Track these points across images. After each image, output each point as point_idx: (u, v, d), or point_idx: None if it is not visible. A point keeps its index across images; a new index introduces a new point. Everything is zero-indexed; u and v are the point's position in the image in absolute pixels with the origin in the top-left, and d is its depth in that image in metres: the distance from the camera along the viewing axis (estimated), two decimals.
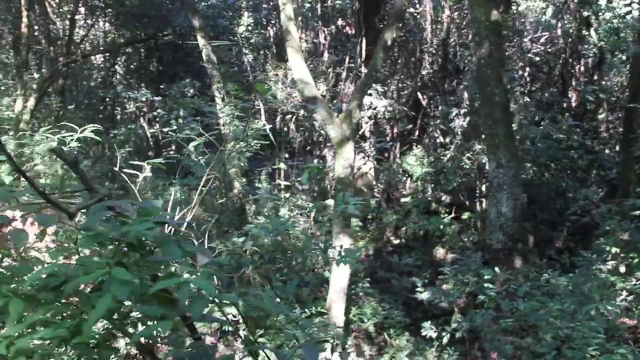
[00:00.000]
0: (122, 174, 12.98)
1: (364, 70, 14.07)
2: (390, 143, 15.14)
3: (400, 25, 16.11)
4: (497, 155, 7.62)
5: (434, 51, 15.29)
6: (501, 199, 7.69)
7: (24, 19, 13.61)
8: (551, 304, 5.76)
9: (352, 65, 14.24)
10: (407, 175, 13.34)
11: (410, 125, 15.61)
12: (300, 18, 16.14)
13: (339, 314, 9.50)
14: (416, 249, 13.13)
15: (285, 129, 13.95)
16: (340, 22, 15.93)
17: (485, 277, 6.89)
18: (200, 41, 12.92)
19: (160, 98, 12.48)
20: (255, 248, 10.61)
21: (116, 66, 20.25)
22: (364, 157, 15.14)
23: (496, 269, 6.91)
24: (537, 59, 15.97)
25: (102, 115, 18.05)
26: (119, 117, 19.32)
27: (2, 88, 17.77)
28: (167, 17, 16.65)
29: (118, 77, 18.75)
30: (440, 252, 13.41)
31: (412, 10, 15.35)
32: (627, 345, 5.22)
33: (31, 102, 13.83)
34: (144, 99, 12.63)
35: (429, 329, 8.03)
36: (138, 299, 2.02)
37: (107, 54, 18.62)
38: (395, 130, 15.40)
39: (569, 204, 12.72)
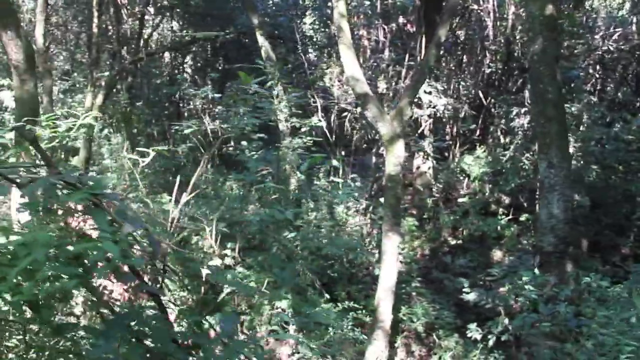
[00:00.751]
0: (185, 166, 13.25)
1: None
2: (450, 142, 14.93)
3: (464, 22, 15.89)
4: (548, 155, 7.38)
5: (497, 49, 14.94)
6: (552, 200, 7.43)
7: (95, 20, 14.29)
8: (588, 309, 5.53)
9: (413, 63, 14.12)
10: (465, 175, 13.10)
11: (474, 125, 15.34)
12: (361, 16, 16.14)
13: (386, 312, 9.44)
14: (472, 250, 12.89)
15: (341, 126, 14.00)
16: (401, 19, 15.81)
17: (524, 278, 6.70)
18: (260, 39, 13.16)
19: (220, 95, 12.77)
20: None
21: (185, 64, 20.93)
22: (423, 157, 15.01)
23: (536, 271, 6.70)
24: (608, 56, 15.30)
25: (167, 112, 18.68)
26: (186, 114, 19.95)
27: (77, 86, 18.73)
28: (230, 15, 17.04)
29: (185, 75, 19.33)
30: (497, 254, 13.10)
31: (475, 7, 15.05)
32: None
33: (99, 98, 14.50)
34: (203, 96, 12.94)
35: (474, 331, 7.88)
36: (54, 260, 2.20)
37: (175, 52, 19.27)
38: (455, 129, 15.15)
39: (637, 209, 12.16)
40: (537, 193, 12.75)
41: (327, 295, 10.82)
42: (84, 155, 14.95)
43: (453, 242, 14.07)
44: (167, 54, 19.87)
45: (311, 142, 11.36)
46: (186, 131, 9.77)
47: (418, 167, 15.20)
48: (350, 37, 9.12)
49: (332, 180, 10.93)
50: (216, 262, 11.98)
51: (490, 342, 7.50)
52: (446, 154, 15.39)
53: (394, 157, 9.05)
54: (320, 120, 11.98)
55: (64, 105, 16.69)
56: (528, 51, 14.37)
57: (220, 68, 19.88)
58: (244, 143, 10.66)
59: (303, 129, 11.77)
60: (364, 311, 10.63)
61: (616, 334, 5.03)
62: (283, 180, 11.50)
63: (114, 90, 16.53)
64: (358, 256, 10.86)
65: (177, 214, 12.49)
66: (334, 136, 13.78)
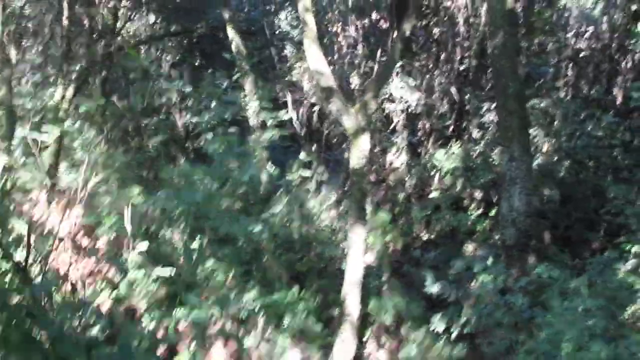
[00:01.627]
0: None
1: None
2: (423, 138, 14.98)
3: (438, 19, 15.94)
4: (510, 148, 7.42)
5: (470, 45, 15.01)
6: (513, 193, 7.47)
7: (65, 12, 14.06)
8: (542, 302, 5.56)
9: (385, 58, 14.11)
10: (436, 170, 13.15)
11: (450, 121, 15.40)
12: (336, 11, 16.14)
13: (353, 306, 9.48)
14: (443, 245, 12.94)
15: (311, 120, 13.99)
16: (375, 15, 15.81)
17: (475, 270, 6.74)
18: (230, 32, 13.11)
19: (190, 89, 12.74)
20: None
21: (161, 58, 20.73)
22: (395, 152, 15.07)
23: (488, 262, 6.75)
24: (581, 54, 15.45)
25: (143, 106, 18.49)
26: (163, 108, 19.78)
27: (51, 79, 18.47)
28: (204, 10, 16.94)
29: (160, 69, 19.16)
30: (469, 248, 13.16)
31: (449, 3, 15.10)
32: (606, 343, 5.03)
33: (70, 92, 14.27)
34: (175, 90, 12.92)
35: (437, 323, 7.91)
36: None
37: (149, 46, 19.08)
38: (429, 125, 15.20)
39: (606, 204, 12.28)
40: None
41: (295, 289, 10.80)
42: (54, 148, 14.75)
43: (425, 237, 14.13)
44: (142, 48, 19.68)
45: (280, 136, 11.33)
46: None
47: (391, 163, 15.25)
48: (315, 31, 9.09)
49: (300, 175, 10.88)
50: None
51: (454, 335, 7.54)
52: (419, 149, 15.44)
53: (358, 151, 9.06)
54: (287, 113, 11.95)
55: (36, 98, 16.44)
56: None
57: (196, 63, 19.74)
58: (209, 136, 10.60)
59: (270, 123, 11.73)
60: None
61: (563, 323, 5.07)
62: (252, 175, 11.44)
63: (87, 84, 16.33)
64: (326, 250, 10.83)
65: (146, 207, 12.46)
66: (304, 130, 13.77)
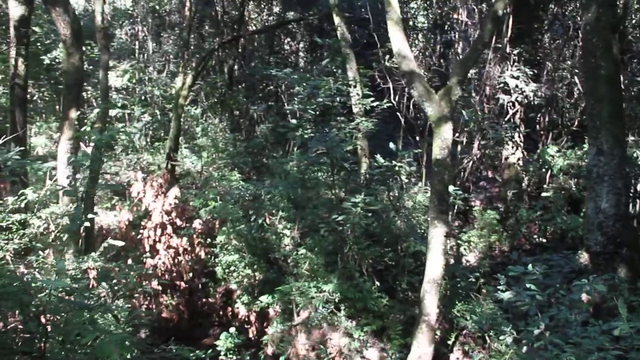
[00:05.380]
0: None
1: (508, 50, 12.91)
2: (542, 132, 13.73)
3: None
4: (597, 140, 6.41)
5: None
6: (600, 193, 6.45)
7: (187, 3, 14.79)
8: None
9: (499, 45, 13.10)
10: (548, 167, 11.95)
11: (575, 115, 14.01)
12: None
13: (431, 306, 8.85)
14: (553, 249, 11.75)
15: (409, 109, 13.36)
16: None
17: (508, 274, 5.90)
18: (336, 19, 12.91)
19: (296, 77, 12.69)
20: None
21: (285, 45, 21.12)
22: (512, 147, 13.96)
23: (530, 266, 5.86)
24: None
25: (261, 94, 18.96)
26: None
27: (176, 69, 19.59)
28: None
29: (278, 57, 19.51)
30: (584, 256, 11.85)
31: None
32: None
33: (189, 79, 14.98)
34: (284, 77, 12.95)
35: (509, 334, 7.13)
36: None
37: (272, 34, 19.51)
38: (548, 118, 13.89)
39: None
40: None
41: (377, 283, 10.41)
42: (173, 133, 15.57)
43: (536, 240, 12.98)
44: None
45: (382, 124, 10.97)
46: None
47: (506, 158, 14.17)
48: (399, 13, 8.61)
49: (389, 165, 10.43)
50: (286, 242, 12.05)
51: (524, 348, 6.77)
52: (539, 145, 14.18)
53: (440, 140, 8.46)
54: (388, 101, 11.47)
55: (159, 85, 17.49)
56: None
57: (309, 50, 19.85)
58: (293, 121, 10.48)
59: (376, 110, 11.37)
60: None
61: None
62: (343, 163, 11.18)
63: (206, 72, 17.07)
64: (412, 244, 10.29)
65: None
66: (403, 119, 13.19)
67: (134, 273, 7.29)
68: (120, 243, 6.78)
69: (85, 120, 10.33)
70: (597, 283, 5.88)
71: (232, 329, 9.89)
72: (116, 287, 4.79)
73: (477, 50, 8.42)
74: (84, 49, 16.98)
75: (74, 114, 7.80)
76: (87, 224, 8.12)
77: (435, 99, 8.37)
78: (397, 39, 8.58)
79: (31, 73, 13.98)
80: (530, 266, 6.48)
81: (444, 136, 8.42)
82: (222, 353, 8.85)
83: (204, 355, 7.18)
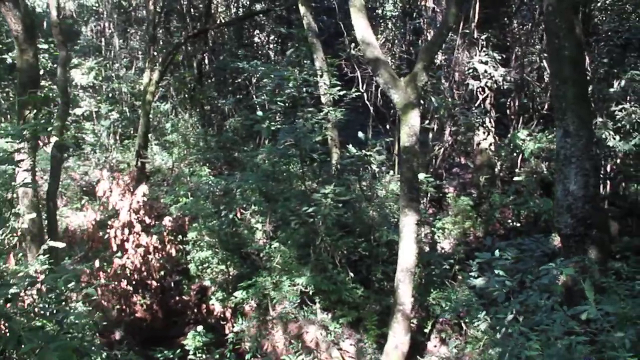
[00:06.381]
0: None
1: (476, 35, 12.85)
2: (513, 117, 13.72)
3: None
4: (563, 121, 6.35)
5: None
6: (569, 175, 6.39)
7: None
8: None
9: (467, 30, 13.03)
10: (519, 151, 11.93)
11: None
12: None
13: (406, 295, 8.78)
14: (526, 232, 11.75)
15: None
16: None
17: (477, 260, 5.84)
18: (301, 9, 12.73)
19: (262, 69, 12.51)
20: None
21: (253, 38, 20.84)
22: (483, 132, 13.95)
23: (496, 252, 5.80)
24: None
25: (231, 88, 18.71)
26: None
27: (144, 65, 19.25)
28: None
29: (248, 50, 19.27)
30: (557, 239, 11.88)
31: None
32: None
33: (156, 75, 14.69)
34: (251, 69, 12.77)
35: (482, 320, 7.06)
36: None
37: (240, 26, 19.24)
38: (518, 103, 13.88)
39: None
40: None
41: (351, 274, 10.31)
42: (142, 130, 15.28)
43: (512, 224, 13.00)
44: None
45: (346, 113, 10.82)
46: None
47: (478, 144, 14.15)
48: (362, 0, 8.47)
49: (359, 155, 10.31)
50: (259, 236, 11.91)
51: (498, 335, 6.67)
52: (510, 130, 14.18)
53: (408, 127, 8.36)
54: (357, 91, 11.35)
55: (126, 82, 17.15)
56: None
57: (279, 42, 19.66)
58: (260, 113, 10.31)
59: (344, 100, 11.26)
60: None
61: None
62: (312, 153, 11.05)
63: (175, 67, 16.79)
64: (384, 234, 10.20)
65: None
66: (372, 107, 13.09)
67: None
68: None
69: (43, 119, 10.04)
70: (565, 266, 5.81)
71: (200, 327, 9.72)
72: (72, 290, 4.60)
73: (442, 35, 8.33)
74: (47, 46, 16.70)
75: (29, 113, 7.54)
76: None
77: (401, 86, 8.26)
78: (360, 26, 8.46)
79: None
80: (497, 252, 6.42)
81: (411, 123, 8.32)
82: (191, 352, 8.68)
83: (172, 355, 7.02)
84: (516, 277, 6.29)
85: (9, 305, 3.37)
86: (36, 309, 3.74)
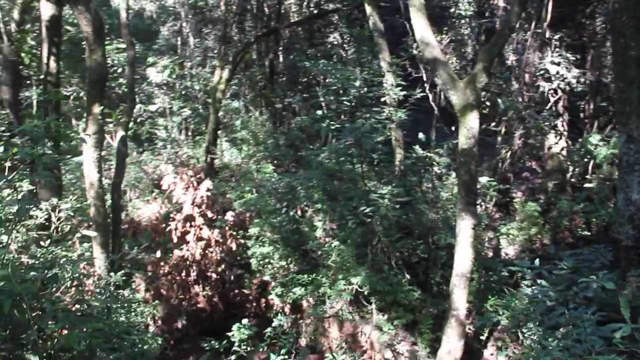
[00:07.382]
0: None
1: (548, 35, 12.37)
2: (587, 121, 13.13)
3: None
4: (627, 126, 6.01)
5: None
6: (631, 183, 6.06)
7: None
8: None
9: (539, 30, 12.57)
10: (591, 157, 11.41)
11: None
12: None
13: (461, 300, 8.61)
14: (596, 242, 11.23)
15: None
16: None
17: (514, 269, 5.58)
18: (367, 9, 12.66)
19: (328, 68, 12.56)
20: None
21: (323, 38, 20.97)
22: (555, 136, 13.42)
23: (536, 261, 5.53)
24: None
25: (301, 86, 18.88)
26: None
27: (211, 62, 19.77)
28: None
29: (320, 50, 19.37)
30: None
31: None
32: None
33: (226, 73, 15.08)
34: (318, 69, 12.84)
35: (534, 331, 6.83)
36: None
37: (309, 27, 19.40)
38: (593, 105, 13.27)
39: None
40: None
41: (407, 276, 10.19)
42: (211, 126, 15.73)
43: (580, 233, 12.45)
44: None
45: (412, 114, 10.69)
46: None
47: (549, 148, 13.63)
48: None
49: (420, 156, 10.18)
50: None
51: (539, 346, 6.45)
52: (584, 134, 13.58)
53: (466, 129, 8.17)
54: (421, 92, 11.20)
55: (199, 80, 17.67)
56: None
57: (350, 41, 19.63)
58: (319, 112, 10.35)
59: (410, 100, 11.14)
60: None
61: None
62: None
63: (247, 65, 17.15)
64: (442, 237, 10.02)
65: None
66: (437, 108, 12.84)
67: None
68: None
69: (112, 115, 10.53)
70: (606, 280, 5.52)
71: (245, 320, 9.85)
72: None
73: (504, 35, 8.08)
74: (124, 46, 17.46)
75: (97, 109, 7.94)
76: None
77: (460, 87, 8.09)
78: (420, 26, 8.34)
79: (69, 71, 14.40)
80: (537, 261, 6.22)
81: (470, 125, 8.13)
82: (236, 344, 8.83)
83: (217, 346, 7.17)
84: (560, 289, 6.07)
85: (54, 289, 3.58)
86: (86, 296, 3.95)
